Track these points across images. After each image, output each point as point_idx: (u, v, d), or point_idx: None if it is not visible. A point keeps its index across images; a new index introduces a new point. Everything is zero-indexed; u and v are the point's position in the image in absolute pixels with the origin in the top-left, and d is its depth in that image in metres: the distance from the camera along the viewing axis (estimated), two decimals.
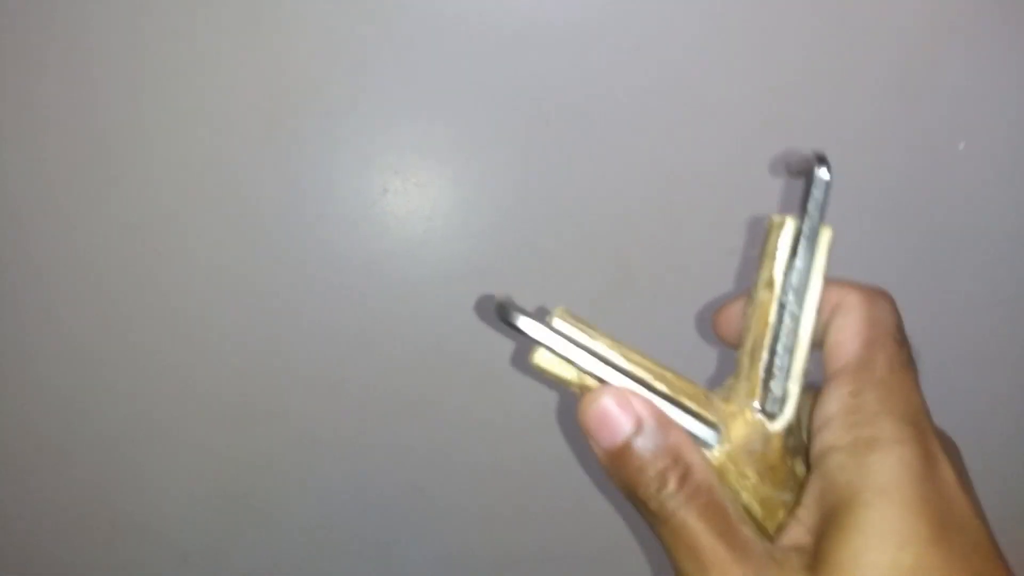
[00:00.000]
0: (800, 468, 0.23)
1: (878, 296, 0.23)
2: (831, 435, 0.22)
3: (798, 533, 0.22)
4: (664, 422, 0.22)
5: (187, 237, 0.57)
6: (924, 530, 0.20)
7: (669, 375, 0.23)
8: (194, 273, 0.57)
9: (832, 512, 0.21)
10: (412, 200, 0.56)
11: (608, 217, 0.56)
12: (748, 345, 0.23)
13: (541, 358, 0.22)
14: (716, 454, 0.23)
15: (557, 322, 0.23)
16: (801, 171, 0.23)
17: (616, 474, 0.23)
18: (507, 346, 0.58)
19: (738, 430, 0.23)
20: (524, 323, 0.22)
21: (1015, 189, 0.57)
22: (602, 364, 0.22)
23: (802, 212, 0.23)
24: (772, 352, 0.23)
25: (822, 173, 0.23)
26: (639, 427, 0.22)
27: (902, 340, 0.23)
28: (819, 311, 0.23)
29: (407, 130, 0.56)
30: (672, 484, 0.21)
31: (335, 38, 0.54)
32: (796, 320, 0.23)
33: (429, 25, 0.53)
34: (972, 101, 0.55)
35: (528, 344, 0.22)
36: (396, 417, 0.60)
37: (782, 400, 0.23)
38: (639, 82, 0.54)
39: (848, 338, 0.23)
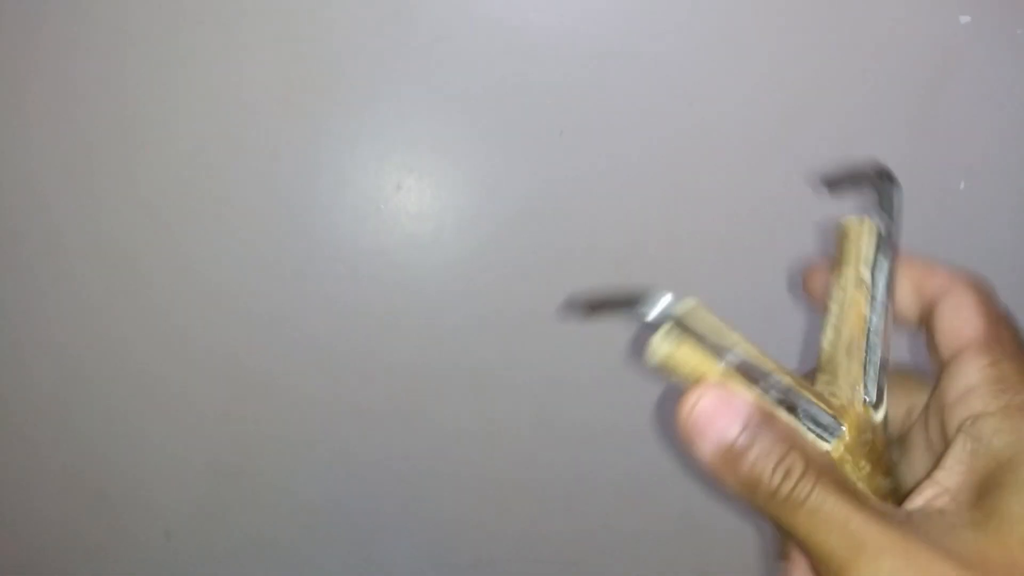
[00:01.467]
0: (894, 454, 0.25)
1: (981, 280, 0.25)
2: (978, 402, 0.23)
3: (935, 499, 0.22)
4: (769, 415, 0.22)
5: (198, 220, 0.58)
6: None
7: (789, 371, 0.24)
8: (203, 256, 0.58)
9: (993, 472, 0.22)
10: (425, 198, 0.58)
11: (614, 224, 0.58)
12: (844, 342, 0.24)
13: (668, 353, 0.22)
14: (836, 444, 0.23)
15: (690, 316, 0.22)
16: (858, 181, 0.25)
17: (730, 474, 0.22)
18: (512, 342, 0.59)
19: (851, 420, 0.23)
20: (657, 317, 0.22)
21: (1016, 229, 0.58)
22: (740, 356, 0.22)
23: (883, 215, 0.25)
24: (868, 346, 0.24)
25: (897, 181, 0.24)
26: (748, 422, 0.22)
27: (1013, 320, 0.24)
28: (915, 293, 0.25)
29: (424, 129, 0.57)
30: (799, 466, 0.21)
31: (357, 34, 0.55)
32: (886, 316, 0.24)
33: (451, 27, 0.55)
34: (973, 141, 0.57)
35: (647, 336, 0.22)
36: (393, 409, 0.61)
37: (880, 391, 0.24)
38: (652, 98, 0.56)
39: (971, 316, 0.24)
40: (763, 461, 0.22)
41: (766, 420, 0.22)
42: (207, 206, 0.57)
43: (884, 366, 0.24)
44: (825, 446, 0.23)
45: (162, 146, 0.57)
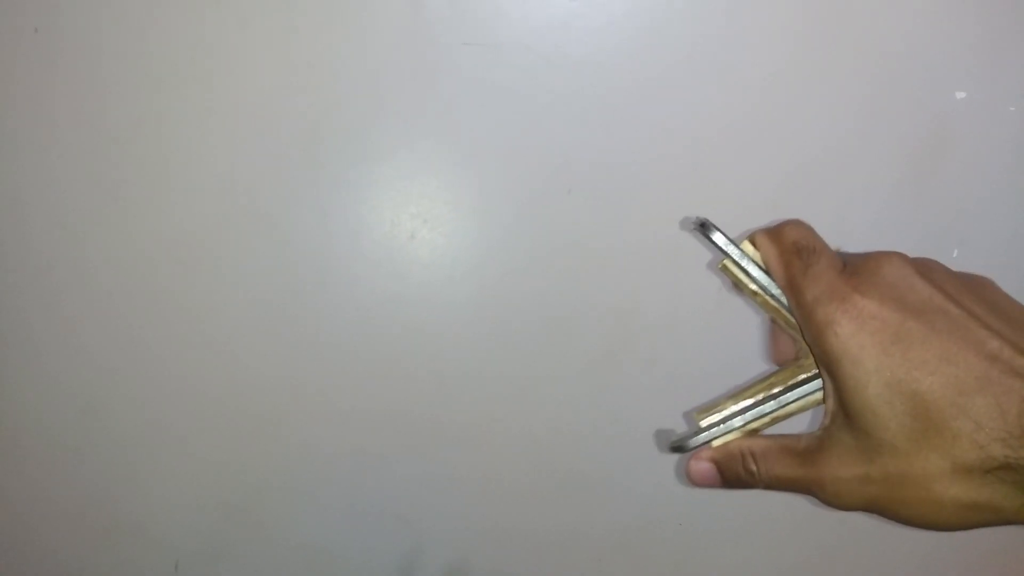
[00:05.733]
0: None
1: (780, 226, 0.34)
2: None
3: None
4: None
5: (212, 258, 0.60)
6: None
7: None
8: (215, 293, 0.60)
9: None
10: (437, 249, 0.60)
11: (618, 279, 0.60)
12: (782, 320, 0.35)
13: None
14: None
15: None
16: (704, 232, 0.34)
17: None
18: (518, 390, 0.61)
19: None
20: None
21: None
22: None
23: (725, 245, 0.34)
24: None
25: (715, 237, 0.34)
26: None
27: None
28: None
29: (439, 183, 0.59)
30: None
31: (378, 88, 0.57)
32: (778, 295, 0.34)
33: (468, 88, 0.57)
34: (967, 211, 0.59)
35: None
36: (400, 448, 0.62)
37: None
38: (656, 162, 0.58)
39: (771, 264, 0.34)
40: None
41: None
42: (221, 251, 0.60)
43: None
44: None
45: (176, 197, 0.59)
